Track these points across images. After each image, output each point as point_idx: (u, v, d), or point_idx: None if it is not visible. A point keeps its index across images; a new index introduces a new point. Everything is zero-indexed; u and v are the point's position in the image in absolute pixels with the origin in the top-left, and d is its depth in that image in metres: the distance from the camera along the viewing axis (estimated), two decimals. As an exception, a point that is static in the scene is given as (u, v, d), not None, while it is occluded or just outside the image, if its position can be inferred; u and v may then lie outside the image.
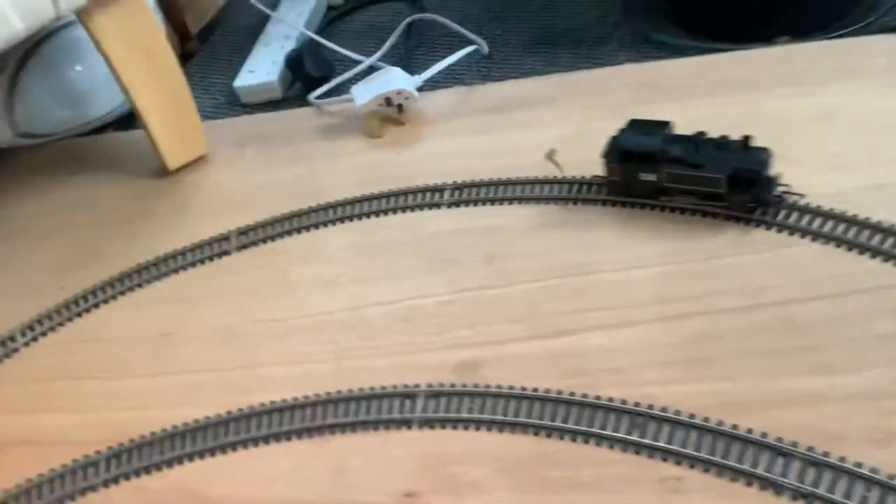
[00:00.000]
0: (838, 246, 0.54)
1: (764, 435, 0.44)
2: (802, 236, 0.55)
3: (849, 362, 0.48)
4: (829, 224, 0.55)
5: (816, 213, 0.55)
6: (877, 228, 0.54)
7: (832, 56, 0.70)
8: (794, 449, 0.43)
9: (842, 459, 0.43)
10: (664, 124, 0.60)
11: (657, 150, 0.58)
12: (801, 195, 0.55)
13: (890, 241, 0.53)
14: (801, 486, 0.42)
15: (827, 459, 0.42)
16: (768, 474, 0.43)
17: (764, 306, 0.52)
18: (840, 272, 0.53)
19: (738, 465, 0.44)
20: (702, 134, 0.58)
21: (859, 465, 0.42)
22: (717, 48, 0.74)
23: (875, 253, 0.53)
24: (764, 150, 0.56)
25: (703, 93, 0.69)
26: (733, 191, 0.56)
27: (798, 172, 0.58)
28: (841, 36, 0.72)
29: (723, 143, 0.57)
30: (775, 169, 0.56)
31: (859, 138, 0.61)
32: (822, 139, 0.62)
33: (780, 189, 0.57)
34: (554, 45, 0.83)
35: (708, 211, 0.58)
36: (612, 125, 0.60)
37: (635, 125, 0.60)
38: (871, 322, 0.49)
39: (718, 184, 0.56)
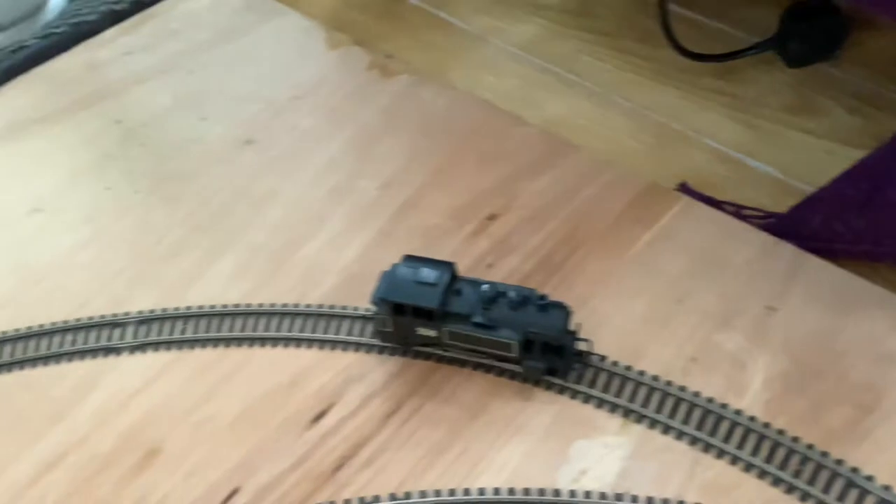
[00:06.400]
0: None
1: None
2: None
3: None
4: None
5: None
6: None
7: None
8: None
9: None
10: (447, 267, 0.49)
11: (437, 307, 0.47)
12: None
13: None
14: None
15: None
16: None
17: None
18: None
19: None
20: (493, 286, 0.47)
21: None
22: None
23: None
24: (562, 308, 0.47)
25: None
26: (525, 356, 0.47)
27: None
28: None
29: (519, 301, 0.47)
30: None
31: None
32: None
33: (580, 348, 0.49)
34: None
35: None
36: None
37: (412, 265, 0.49)
38: None
39: (509, 348, 0.47)
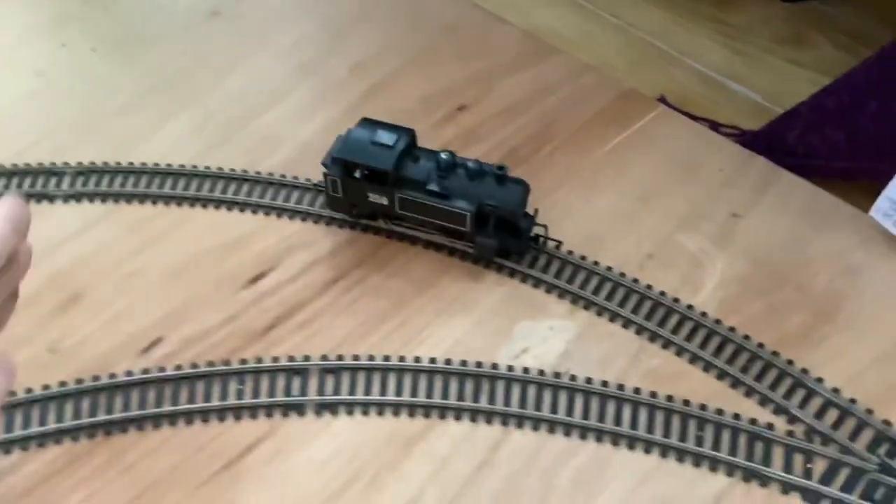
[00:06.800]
0: None
1: None
2: None
3: None
4: None
5: None
6: None
7: None
8: None
9: None
10: (406, 133, 0.45)
11: (391, 169, 0.43)
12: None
13: None
14: None
15: None
16: None
17: None
18: None
19: None
20: (452, 155, 0.44)
21: None
22: None
23: None
24: (520, 183, 0.44)
25: None
26: (479, 231, 0.44)
27: None
28: None
29: (477, 171, 0.43)
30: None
31: None
32: None
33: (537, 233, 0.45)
34: None
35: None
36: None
37: (369, 127, 0.45)
38: None
39: (463, 221, 0.43)
